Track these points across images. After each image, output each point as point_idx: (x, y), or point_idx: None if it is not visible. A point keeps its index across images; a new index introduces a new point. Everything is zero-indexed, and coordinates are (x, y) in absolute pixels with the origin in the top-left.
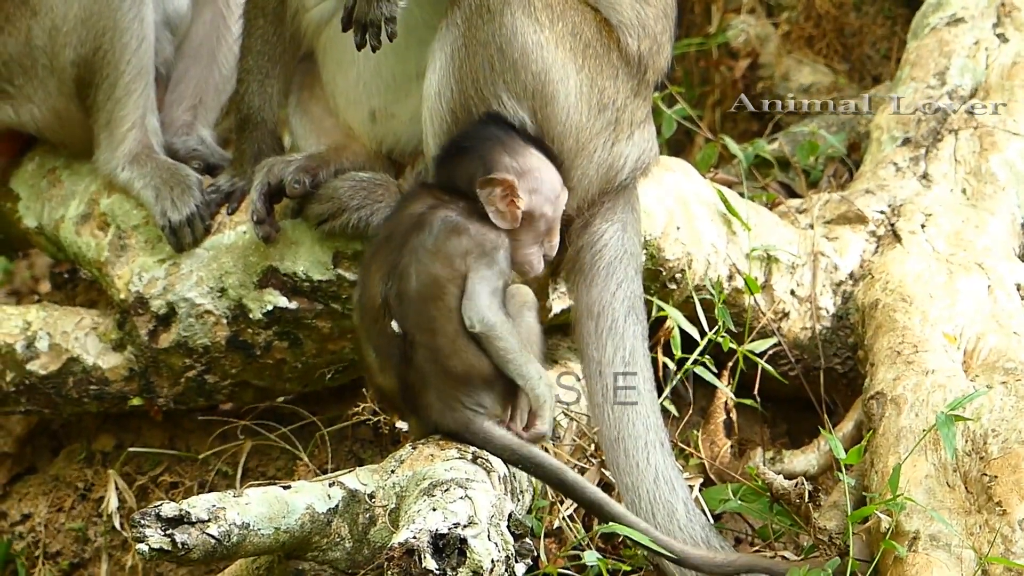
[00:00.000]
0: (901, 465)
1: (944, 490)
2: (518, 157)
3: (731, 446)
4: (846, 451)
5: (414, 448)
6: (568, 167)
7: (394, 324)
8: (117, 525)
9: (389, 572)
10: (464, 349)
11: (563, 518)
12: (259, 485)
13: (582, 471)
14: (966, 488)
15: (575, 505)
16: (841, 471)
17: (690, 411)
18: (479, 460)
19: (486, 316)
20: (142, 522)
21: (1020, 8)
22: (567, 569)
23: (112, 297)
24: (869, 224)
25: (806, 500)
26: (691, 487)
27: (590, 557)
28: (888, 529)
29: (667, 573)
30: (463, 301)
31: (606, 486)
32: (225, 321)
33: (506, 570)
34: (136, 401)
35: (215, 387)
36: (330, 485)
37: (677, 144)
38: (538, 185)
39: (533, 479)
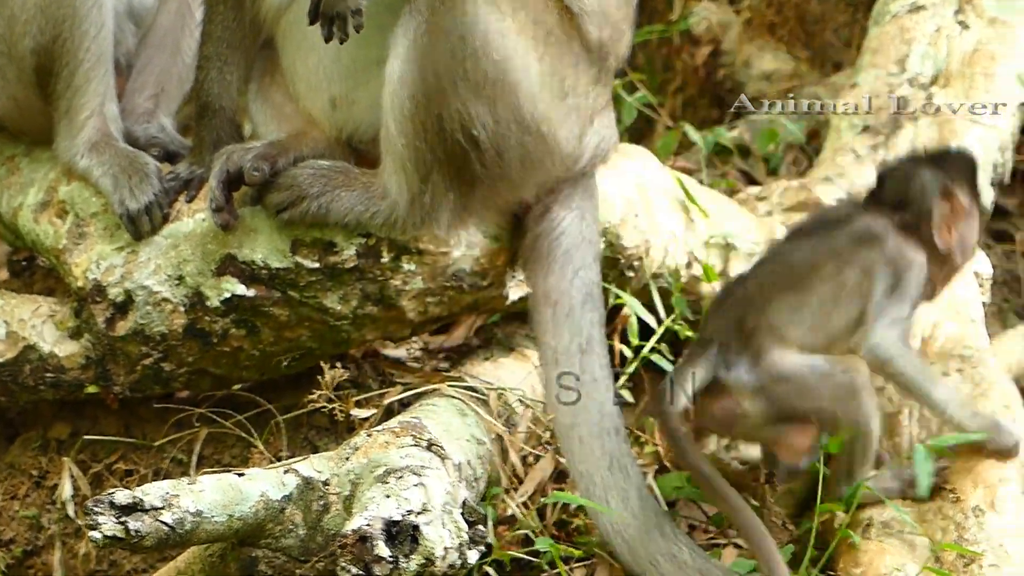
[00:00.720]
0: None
1: None
2: (974, 198)
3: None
4: None
5: (369, 435)
6: (531, 157)
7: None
8: (71, 513)
9: (342, 559)
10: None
11: (517, 505)
12: (214, 473)
13: (536, 458)
14: None
15: (529, 492)
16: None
17: (647, 398)
18: (433, 447)
19: (879, 348)
20: (95, 509)
21: None
22: (520, 555)
23: (69, 285)
24: None
25: (761, 483)
26: (645, 474)
27: (543, 544)
28: (845, 520)
29: (620, 559)
30: (864, 328)
31: (560, 473)
32: (182, 309)
33: (459, 557)
34: (92, 389)
35: (171, 375)
36: (284, 472)
37: (637, 131)
38: (970, 232)
39: (488, 465)
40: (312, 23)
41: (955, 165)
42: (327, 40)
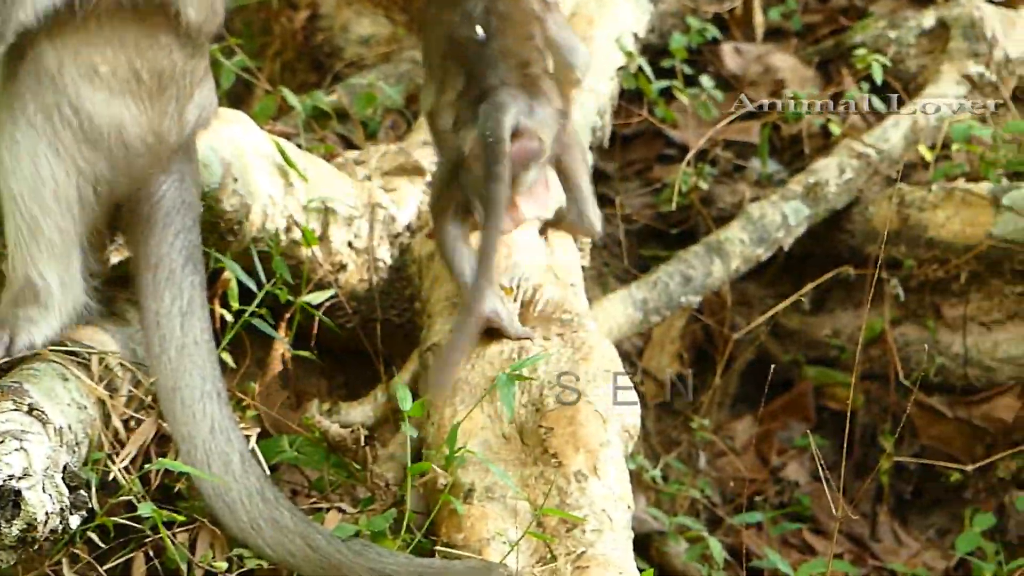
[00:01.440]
0: (460, 423)
1: (500, 442)
2: None
3: (288, 397)
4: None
5: None
6: (143, 163)
7: (479, 29)
8: None
9: None
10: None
11: (119, 470)
12: None
13: (139, 422)
14: (522, 440)
15: (131, 456)
16: (404, 421)
17: (248, 362)
18: (35, 412)
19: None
20: None
21: None
22: (124, 521)
23: None
24: (427, 175)
25: (362, 445)
26: (248, 438)
27: (146, 509)
28: (446, 483)
29: (222, 523)
30: (564, 51)
31: (163, 437)
32: None
33: (61, 522)
34: None
35: None
36: None
37: (236, 95)
38: None
39: (89, 430)
40: None
41: None
42: None
